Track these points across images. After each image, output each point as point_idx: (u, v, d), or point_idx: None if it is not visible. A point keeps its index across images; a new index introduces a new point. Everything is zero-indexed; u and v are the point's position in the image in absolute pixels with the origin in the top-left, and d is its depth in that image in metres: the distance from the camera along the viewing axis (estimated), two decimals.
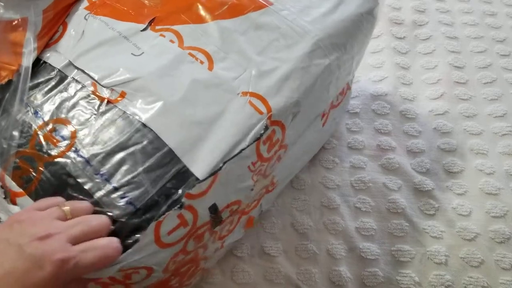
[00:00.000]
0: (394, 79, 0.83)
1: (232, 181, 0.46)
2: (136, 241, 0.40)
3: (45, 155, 0.45)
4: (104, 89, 0.47)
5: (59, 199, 0.41)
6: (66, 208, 0.39)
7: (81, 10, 0.54)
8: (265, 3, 0.53)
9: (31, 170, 0.44)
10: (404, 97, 0.81)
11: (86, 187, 0.43)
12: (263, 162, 0.49)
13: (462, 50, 0.88)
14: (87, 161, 0.44)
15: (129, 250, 0.40)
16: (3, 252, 0.34)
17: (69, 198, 0.42)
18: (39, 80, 0.50)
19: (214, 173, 0.44)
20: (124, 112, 0.46)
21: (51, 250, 0.34)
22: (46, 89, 0.49)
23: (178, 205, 0.42)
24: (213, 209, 0.45)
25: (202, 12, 0.52)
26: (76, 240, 0.37)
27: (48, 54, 0.51)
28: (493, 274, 0.63)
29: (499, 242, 0.65)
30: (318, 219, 0.67)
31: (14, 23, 0.50)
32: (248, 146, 0.45)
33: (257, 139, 0.46)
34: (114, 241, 0.39)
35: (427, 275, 0.63)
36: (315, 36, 0.52)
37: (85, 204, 0.41)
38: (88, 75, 0.48)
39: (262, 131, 0.46)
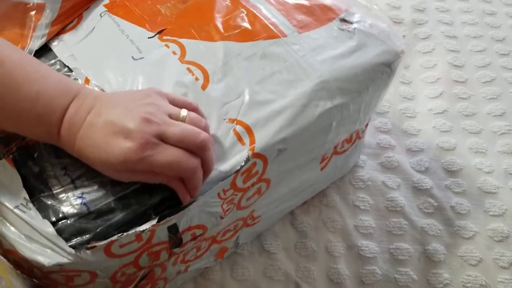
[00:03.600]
0: (393, 78, 0.83)
1: (197, 205, 0.44)
2: (83, 243, 0.40)
3: (19, 139, 0.44)
4: (96, 88, 0.47)
5: (188, 102, 0.44)
6: (183, 115, 0.41)
7: (100, 7, 0.54)
8: (278, 34, 0.51)
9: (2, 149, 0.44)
10: (403, 95, 0.82)
11: (48, 178, 0.42)
12: (236, 192, 0.47)
13: (462, 49, 0.88)
14: (57, 154, 0.43)
15: (73, 252, 0.39)
16: (117, 109, 0.40)
17: (30, 186, 0.42)
18: None
19: (189, 204, 0.42)
20: None
21: (142, 131, 0.38)
22: None
23: (142, 230, 0.41)
24: (173, 229, 0.44)
25: (213, 30, 0.51)
26: (166, 138, 0.39)
27: (56, 42, 0.52)
28: (492, 273, 0.63)
29: (498, 241, 0.65)
30: (317, 217, 0.67)
31: (28, 6, 0.51)
32: (225, 178, 0.44)
33: (236, 171, 0.44)
34: (193, 160, 0.40)
35: (425, 273, 0.63)
36: (321, 77, 0.49)
37: (202, 121, 0.42)
38: (84, 70, 0.48)
39: (243, 163, 0.44)
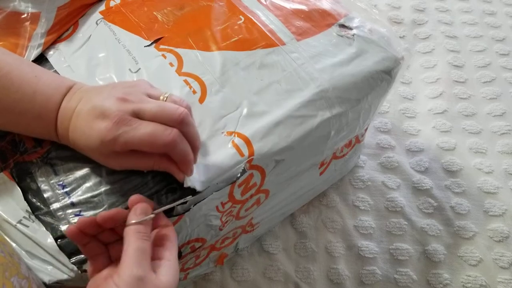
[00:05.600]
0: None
1: (196, 219, 0.44)
2: (82, 261, 0.40)
3: (17, 154, 0.44)
4: None
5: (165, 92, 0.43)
6: (163, 96, 0.41)
7: (95, 14, 0.54)
8: (277, 42, 0.50)
9: (0, 164, 0.44)
10: (403, 96, 0.82)
11: (45, 195, 0.42)
12: (234, 204, 0.47)
13: (462, 49, 0.88)
14: (54, 170, 0.43)
15: (75, 269, 0.39)
16: (100, 96, 0.40)
17: (28, 203, 0.42)
18: None
19: (181, 213, 0.42)
20: None
21: (117, 110, 0.38)
22: None
23: None
24: None
25: (210, 40, 0.50)
26: (142, 115, 0.39)
27: (51, 52, 0.51)
28: (492, 273, 0.63)
29: (498, 241, 0.65)
30: (316, 217, 0.67)
31: (23, 16, 0.50)
32: (220, 189, 0.43)
33: (232, 182, 0.43)
34: (170, 131, 0.39)
35: (425, 274, 0.63)
36: (320, 86, 0.48)
37: (184, 102, 0.42)
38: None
39: (239, 175, 0.43)
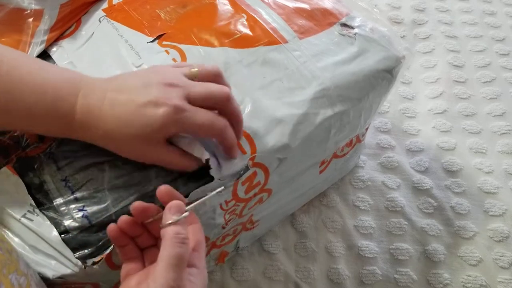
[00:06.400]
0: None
1: (200, 216, 0.44)
2: (85, 256, 0.40)
3: (20, 149, 0.44)
4: None
5: (190, 64, 0.44)
6: (195, 69, 0.42)
7: (98, 11, 0.54)
8: (279, 40, 0.50)
9: (2, 160, 0.44)
10: (403, 95, 0.82)
11: (48, 190, 0.42)
12: (238, 202, 0.47)
13: (462, 49, 0.88)
14: (57, 165, 0.43)
15: (79, 264, 0.39)
16: (134, 84, 0.40)
17: (31, 197, 0.42)
18: None
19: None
20: None
21: (170, 96, 0.39)
22: None
23: None
24: None
25: (213, 36, 0.50)
26: (192, 99, 0.40)
27: (54, 49, 0.51)
28: (492, 273, 0.63)
29: (498, 241, 0.65)
30: (316, 217, 0.67)
31: (26, 12, 0.50)
32: (224, 188, 0.42)
33: (236, 179, 0.43)
34: (222, 118, 0.41)
35: (425, 274, 0.63)
36: (322, 84, 0.48)
37: (214, 69, 0.43)
38: None
39: (242, 172, 0.43)
